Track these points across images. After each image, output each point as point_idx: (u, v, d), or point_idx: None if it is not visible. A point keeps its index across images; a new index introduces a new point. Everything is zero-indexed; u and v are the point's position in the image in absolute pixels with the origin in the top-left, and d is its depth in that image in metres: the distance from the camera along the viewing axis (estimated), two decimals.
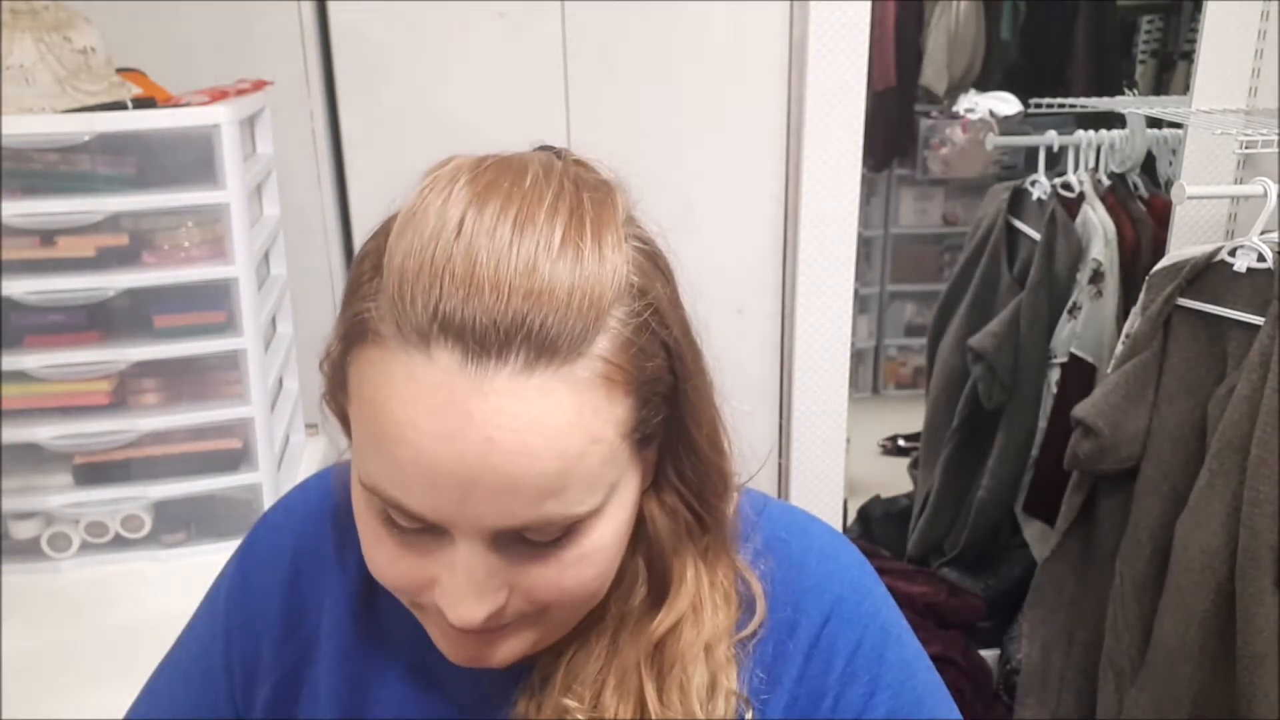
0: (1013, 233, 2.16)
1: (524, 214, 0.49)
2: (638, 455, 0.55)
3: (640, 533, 0.59)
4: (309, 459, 1.61)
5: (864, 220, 1.92)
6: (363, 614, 0.65)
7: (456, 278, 0.47)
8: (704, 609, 0.60)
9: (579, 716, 0.57)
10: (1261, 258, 1.38)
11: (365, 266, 0.52)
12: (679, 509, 0.60)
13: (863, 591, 0.63)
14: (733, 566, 0.62)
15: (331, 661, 0.65)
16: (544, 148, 0.58)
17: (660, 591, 0.60)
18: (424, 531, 0.52)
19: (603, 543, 0.54)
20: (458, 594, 0.51)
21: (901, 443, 3.01)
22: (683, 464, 0.59)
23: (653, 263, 0.54)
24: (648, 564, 0.60)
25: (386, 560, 0.54)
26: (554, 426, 0.48)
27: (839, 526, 2.10)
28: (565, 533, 0.52)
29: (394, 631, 0.65)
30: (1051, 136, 2.10)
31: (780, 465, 1.96)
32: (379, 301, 0.50)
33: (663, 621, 0.59)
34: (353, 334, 0.51)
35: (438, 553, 0.52)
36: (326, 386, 0.57)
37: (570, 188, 0.52)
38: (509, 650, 0.56)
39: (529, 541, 0.52)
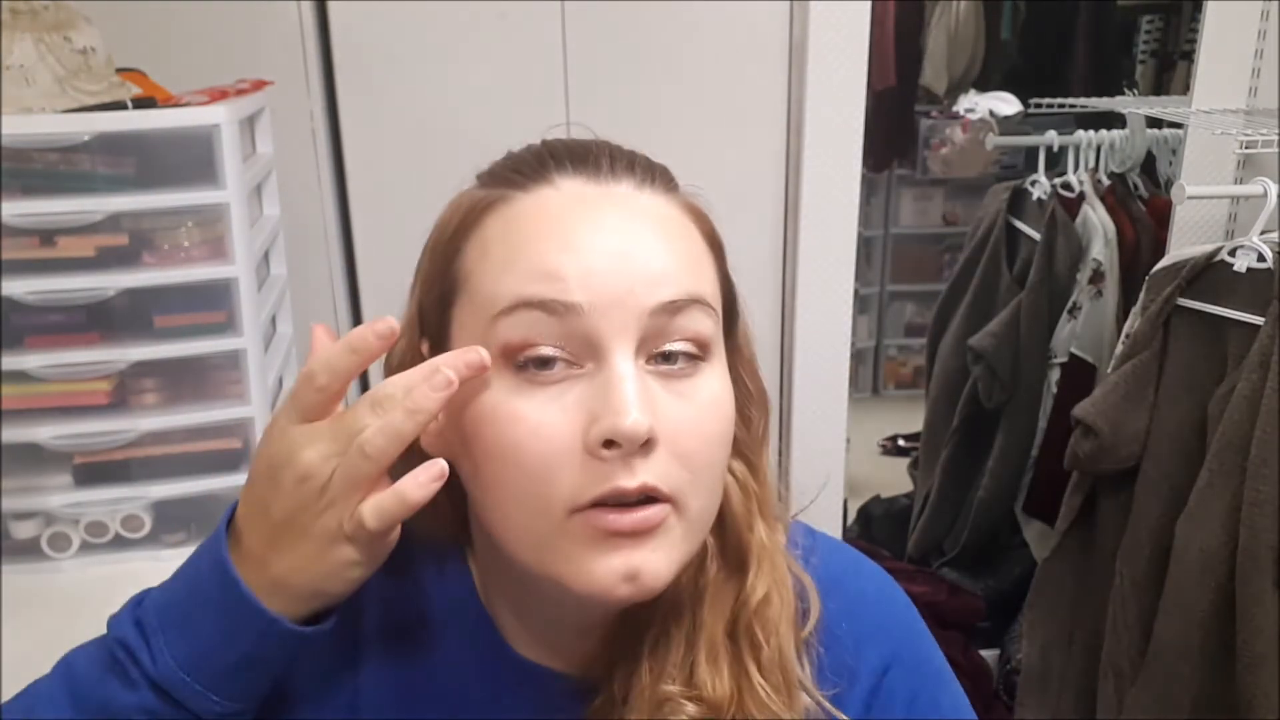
0: (1013, 233, 2.16)
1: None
2: (721, 341, 0.59)
3: None
4: None
5: (864, 220, 1.92)
6: (411, 626, 0.64)
7: (568, 140, 0.59)
8: (785, 583, 0.62)
9: (684, 702, 0.58)
10: (1261, 258, 1.38)
11: (462, 191, 0.60)
12: (748, 479, 0.63)
13: (917, 636, 0.66)
14: (783, 555, 0.64)
15: (376, 673, 0.64)
16: None
17: (737, 563, 0.61)
18: (568, 368, 0.53)
19: (725, 394, 0.57)
20: (625, 403, 0.51)
21: (901, 443, 3.01)
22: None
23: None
24: (719, 538, 0.61)
25: (530, 428, 0.53)
26: (671, 224, 0.57)
27: (839, 526, 2.11)
28: (692, 364, 0.55)
29: (441, 648, 0.64)
30: (1051, 136, 2.09)
31: (780, 465, 1.96)
32: (491, 184, 0.58)
33: (755, 591, 0.60)
34: (469, 221, 0.58)
35: (585, 389, 0.53)
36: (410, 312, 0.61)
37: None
38: (659, 559, 0.54)
39: (664, 373, 0.55)
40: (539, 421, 0.53)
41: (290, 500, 0.52)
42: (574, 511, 0.53)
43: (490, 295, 0.54)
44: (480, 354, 0.52)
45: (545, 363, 0.53)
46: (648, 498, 0.53)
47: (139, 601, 0.57)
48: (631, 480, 0.52)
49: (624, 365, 0.52)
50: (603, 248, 0.54)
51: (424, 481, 0.52)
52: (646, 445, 0.52)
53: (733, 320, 0.63)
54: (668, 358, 0.54)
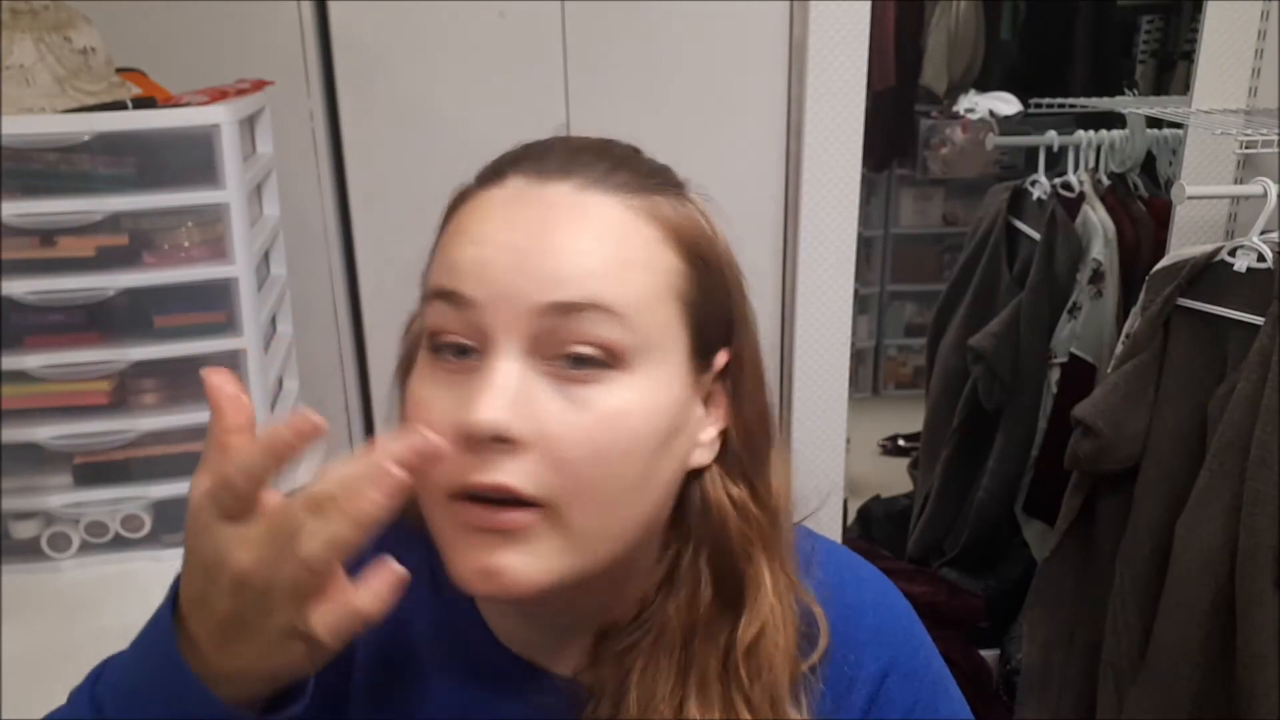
0: (1013, 233, 2.16)
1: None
2: (692, 360, 0.57)
3: (705, 530, 0.59)
4: (308, 460, 1.61)
5: (864, 220, 1.91)
6: (405, 619, 0.64)
7: (540, 141, 0.59)
8: (781, 617, 0.60)
9: None
10: (1261, 258, 1.38)
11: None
12: (747, 505, 0.60)
13: (915, 643, 0.66)
14: (792, 582, 0.62)
15: (361, 684, 0.64)
16: None
17: (732, 595, 0.59)
18: (468, 358, 0.53)
19: (635, 408, 0.53)
20: (481, 395, 0.51)
21: (901, 443, 3.00)
22: (741, 404, 0.61)
23: (706, 216, 0.61)
24: (713, 566, 0.59)
25: (425, 402, 0.54)
26: (605, 226, 0.55)
27: (839, 526, 2.11)
28: (599, 371, 0.53)
29: (433, 660, 0.64)
30: (1051, 136, 2.09)
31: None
32: (474, 180, 0.59)
33: (749, 627, 0.58)
34: (445, 216, 0.59)
35: (478, 382, 0.52)
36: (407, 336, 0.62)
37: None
38: (525, 563, 0.52)
39: (562, 376, 0.53)
40: (429, 407, 0.54)
41: (231, 602, 0.48)
42: (452, 498, 0.53)
43: (426, 285, 0.56)
44: (426, 436, 0.48)
45: (448, 349, 0.54)
46: (515, 500, 0.52)
47: (98, 676, 0.56)
48: (485, 477, 0.51)
49: (501, 360, 0.52)
50: (504, 243, 0.53)
51: (379, 591, 0.49)
52: (509, 445, 0.51)
53: (720, 337, 0.60)
54: (577, 360, 0.52)
